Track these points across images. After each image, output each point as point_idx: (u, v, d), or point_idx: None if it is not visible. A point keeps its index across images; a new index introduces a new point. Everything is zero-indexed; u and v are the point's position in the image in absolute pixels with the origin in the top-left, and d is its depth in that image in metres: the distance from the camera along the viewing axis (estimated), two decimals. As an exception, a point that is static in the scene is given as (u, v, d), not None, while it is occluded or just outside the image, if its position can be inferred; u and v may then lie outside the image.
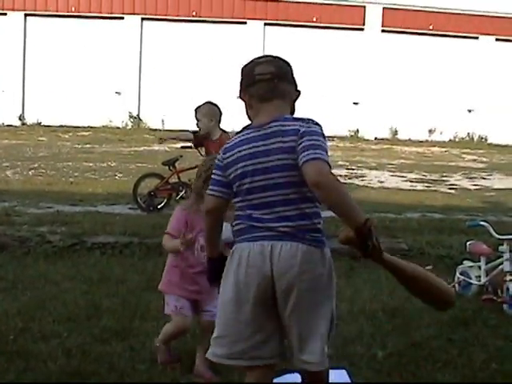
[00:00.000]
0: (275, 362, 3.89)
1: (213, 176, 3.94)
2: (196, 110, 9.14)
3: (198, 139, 9.54)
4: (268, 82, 3.83)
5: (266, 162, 3.72)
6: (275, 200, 3.71)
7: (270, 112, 3.82)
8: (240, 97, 3.97)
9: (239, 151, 3.81)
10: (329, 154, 3.66)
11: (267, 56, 3.98)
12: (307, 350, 3.74)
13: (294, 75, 3.97)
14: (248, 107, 3.95)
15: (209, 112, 8.66)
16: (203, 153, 9.38)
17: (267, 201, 3.72)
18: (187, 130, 11.58)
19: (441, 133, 29.16)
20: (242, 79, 3.95)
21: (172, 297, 5.21)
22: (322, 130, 3.74)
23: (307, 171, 3.54)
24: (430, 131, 29.24)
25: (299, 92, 3.98)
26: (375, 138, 28.62)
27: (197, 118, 9.07)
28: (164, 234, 5.31)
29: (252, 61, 3.96)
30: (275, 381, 4.51)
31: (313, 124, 3.74)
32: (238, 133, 3.93)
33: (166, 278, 5.32)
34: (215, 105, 9.18)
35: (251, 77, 3.87)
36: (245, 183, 3.77)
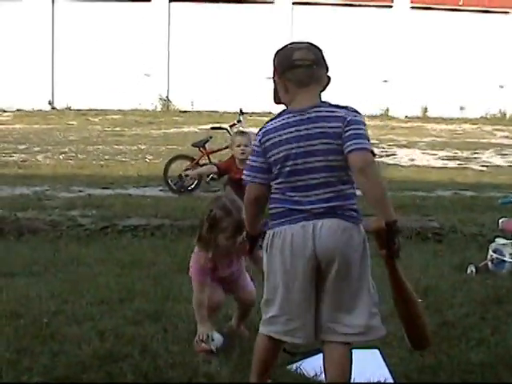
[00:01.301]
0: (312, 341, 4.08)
1: (251, 163, 4.02)
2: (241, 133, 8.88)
3: (222, 170, 9.28)
4: (307, 68, 3.94)
5: (309, 146, 3.86)
6: (316, 183, 3.86)
7: (309, 97, 3.95)
8: (274, 79, 4.05)
9: (282, 134, 3.91)
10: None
11: (304, 43, 4.05)
12: (348, 320, 3.95)
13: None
14: (284, 91, 4.02)
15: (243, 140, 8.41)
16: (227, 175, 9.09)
17: (308, 183, 3.86)
18: (223, 148, 11.83)
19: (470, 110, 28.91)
20: (278, 63, 4.02)
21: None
22: (363, 118, 3.94)
23: (355, 159, 3.77)
24: (461, 108, 28.98)
25: (330, 78, 4.08)
26: (406, 117, 28.42)
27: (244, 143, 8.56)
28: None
29: (289, 46, 4.04)
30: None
31: (357, 113, 3.92)
32: (275, 117, 4.02)
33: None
34: (243, 132, 9.21)
35: (290, 62, 3.95)
36: (287, 166, 3.89)
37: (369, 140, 3.88)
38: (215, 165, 10.40)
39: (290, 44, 4.07)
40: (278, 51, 4.06)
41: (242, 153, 8.10)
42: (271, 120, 4.03)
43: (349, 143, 3.79)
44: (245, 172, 4.08)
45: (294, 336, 4.02)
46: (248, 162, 4.08)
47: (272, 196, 3.99)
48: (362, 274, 3.97)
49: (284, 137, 3.90)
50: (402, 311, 4.12)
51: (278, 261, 3.93)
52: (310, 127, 3.87)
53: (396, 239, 3.81)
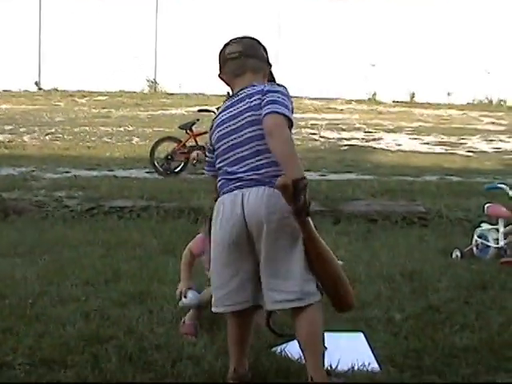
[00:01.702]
0: (249, 306, 4.11)
1: (207, 159, 4.33)
2: None
3: None
4: (237, 59, 4.27)
5: (237, 123, 4.09)
6: (246, 154, 4.04)
7: (243, 84, 4.22)
8: (219, 76, 4.41)
9: (219, 119, 4.20)
10: (291, 111, 4.01)
11: (239, 37, 4.39)
12: (284, 287, 3.96)
13: (265, 50, 4.38)
14: (227, 85, 4.36)
15: None
16: None
17: (240, 156, 4.06)
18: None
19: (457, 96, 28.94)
20: (218, 61, 4.39)
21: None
22: (286, 90, 4.11)
23: (265, 122, 3.92)
24: (449, 94, 28.99)
25: (271, 65, 4.40)
26: (393, 101, 28.43)
27: None
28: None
29: (225, 43, 4.40)
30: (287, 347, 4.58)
31: (277, 85, 4.14)
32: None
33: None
34: None
35: (224, 56, 4.33)
36: (221, 145, 4.14)
37: (286, 107, 3.97)
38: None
39: (227, 41, 4.40)
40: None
41: None
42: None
43: (263, 109, 3.97)
44: (204, 167, 4.47)
45: (224, 304, 4.12)
46: (206, 159, 4.39)
47: (218, 175, 4.19)
48: (293, 240, 3.97)
49: (219, 120, 4.19)
50: (320, 272, 4.05)
51: (213, 229, 4.11)
52: (238, 106, 4.11)
53: (302, 196, 3.72)
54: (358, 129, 20.11)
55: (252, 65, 4.27)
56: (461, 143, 18.75)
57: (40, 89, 28.01)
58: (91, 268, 6.98)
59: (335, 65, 24.78)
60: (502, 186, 8.09)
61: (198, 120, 13.57)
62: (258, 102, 4.01)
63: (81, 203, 10.33)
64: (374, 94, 28.82)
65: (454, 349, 4.91)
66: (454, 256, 8.06)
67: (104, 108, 23.38)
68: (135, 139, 17.25)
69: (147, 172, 13.10)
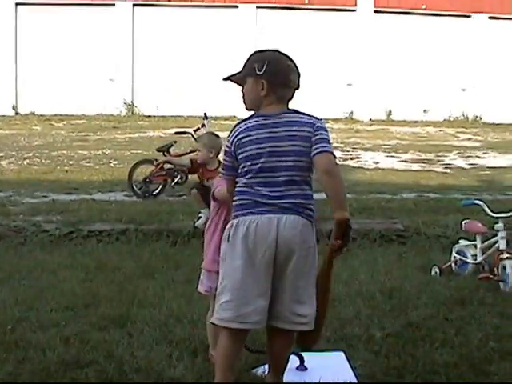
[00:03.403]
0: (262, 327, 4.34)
1: (225, 162, 4.38)
2: (196, 139, 9.07)
3: (194, 167, 9.52)
4: (292, 89, 4.36)
5: (281, 146, 4.21)
6: (284, 180, 4.20)
7: (275, 110, 4.30)
8: (256, 78, 4.30)
9: (253, 135, 4.23)
10: None
11: (294, 62, 4.38)
12: (302, 311, 4.24)
13: None
14: (259, 90, 4.29)
15: (209, 143, 8.39)
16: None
17: (277, 180, 4.20)
18: (187, 153, 12.58)
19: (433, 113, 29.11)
20: (270, 69, 4.28)
21: (211, 276, 5.05)
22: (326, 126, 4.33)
23: (321, 160, 4.15)
24: (425, 111, 29.17)
25: None
26: (370, 120, 28.57)
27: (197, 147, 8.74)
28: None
29: (285, 59, 4.35)
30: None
31: (321, 121, 4.30)
32: (245, 119, 4.32)
33: (207, 257, 5.17)
34: (217, 136, 9.07)
35: (285, 79, 4.32)
36: (258, 163, 4.21)
37: (331, 144, 4.24)
38: (190, 160, 10.58)
39: (283, 55, 4.37)
40: (271, 55, 4.35)
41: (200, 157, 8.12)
42: (241, 122, 4.33)
43: (316, 146, 4.17)
44: (221, 170, 4.52)
45: (243, 322, 4.20)
46: (222, 162, 4.43)
47: (238, 190, 4.29)
48: (311, 269, 4.27)
49: (255, 137, 4.23)
50: (318, 304, 4.33)
51: (239, 246, 4.19)
52: (282, 130, 4.23)
53: (349, 234, 4.19)
54: (336, 148, 20.16)
55: (291, 98, 4.38)
56: (438, 160, 18.86)
57: (17, 113, 27.94)
58: (70, 292, 6.96)
59: (312, 84, 24.85)
60: (479, 202, 8.14)
61: (175, 142, 13.58)
62: (308, 134, 4.20)
63: (59, 227, 10.28)
64: (351, 113, 28.97)
65: (435, 365, 4.95)
66: (432, 273, 8.10)
67: (81, 132, 23.34)
68: (113, 162, 17.22)
69: (125, 195, 13.07)
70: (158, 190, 13.06)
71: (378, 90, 28.45)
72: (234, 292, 4.20)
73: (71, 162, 17.16)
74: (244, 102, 4.41)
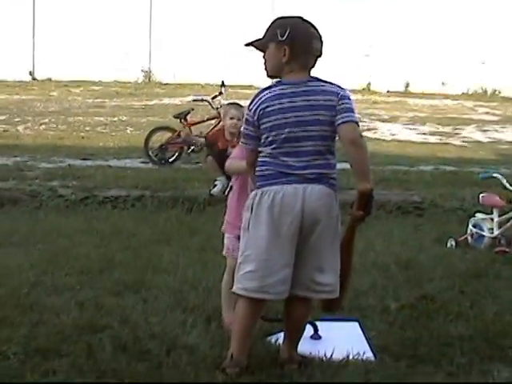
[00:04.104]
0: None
1: (246, 131, 4.31)
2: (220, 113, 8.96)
3: (209, 141, 9.67)
4: (316, 57, 4.32)
5: (306, 116, 4.16)
6: (308, 150, 4.17)
7: (304, 74, 4.27)
8: (278, 44, 4.23)
9: (277, 104, 4.18)
10: None
11: (317, 30, 4.34)
12: (323, 279, 4.25)
13: None
14: (281, 56, 4.23)
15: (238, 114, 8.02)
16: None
17: (301, 150, 4.17)
18: (204, 121, 13.13)
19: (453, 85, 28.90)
20: (294, 36, 4.21)
21: (229, 238, 5.10)
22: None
23: (346, 129, 4.16)
24: (443, 84, 28.96)
25: None
26: (387, 91, 28.40)
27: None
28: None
29: (309, 26, 4.30)
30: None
31: (346, 90, 4.30)
32: (267, 88, 4.27)
33: (226, 219, 5.19)
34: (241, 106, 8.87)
35: (308, 47, 4.26)
36: (283, 133, 4.17)
37: (355, 114, 4.26)
38: (204, 136, 10.61)
39: (306, 22, 4.31)
40: (294, 21, 4.29)
41: (234, 126, 8.01)
42: (264, 90, 4.27)
43: (341, 115, 4.15)
44: (242, 140, 4.40)
45: (268, 292, 4.20)
46: (243, 131, 4.36)
47: (262, 160, 4.25)
48: (335, 238, 4.30)
49: (279, 106, 4.17)
50: (341, 271, 4.35)
51: (264, 217, 4.17)
52: (305, 99, 4.18)
53: (371, 205, 4.22)
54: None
55: (313, 66, 4.34)
56: (455, 133, 18.73)
57: (34, 79, 27.91)
58: (85, 257, 6.97)
59: (329, 55, 24.71)
60: (497, 175, 8.09)
61: (192, 109, 13.53)
62: (333, 103, 4.17)
63: (75, 193, 10.30)
64: (369, 84, 28.80)
65: (449, 338, 4.93)
66: (448, 245, 8.06)
67: (98, 98, 23.29)
68: (129, 129, 17.19)
69: (141, 162, 13.05)
70: (174, 157, 13.03)
71: (395, 61, 28.25)
72: (259, 262, 4.18)
73: (87, 128, 17.14)
74: (265, 68, 4.33)
